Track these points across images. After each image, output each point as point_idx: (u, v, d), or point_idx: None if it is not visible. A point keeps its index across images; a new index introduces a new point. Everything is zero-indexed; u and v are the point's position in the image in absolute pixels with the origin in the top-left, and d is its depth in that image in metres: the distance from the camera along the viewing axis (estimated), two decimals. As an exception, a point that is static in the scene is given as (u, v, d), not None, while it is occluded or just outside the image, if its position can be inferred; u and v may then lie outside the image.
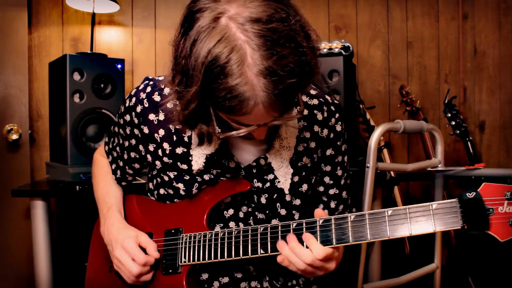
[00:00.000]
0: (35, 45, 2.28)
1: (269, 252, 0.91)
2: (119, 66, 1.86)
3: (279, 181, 1.01)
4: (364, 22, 2.55)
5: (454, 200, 0.80)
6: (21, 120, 2.11)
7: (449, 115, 2.24)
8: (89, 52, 1.95)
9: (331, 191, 1.12)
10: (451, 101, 2.26)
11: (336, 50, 1.93)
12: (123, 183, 1.19)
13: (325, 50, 1.95)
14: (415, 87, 2.57)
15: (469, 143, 2.23)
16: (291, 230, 0.90)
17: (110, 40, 2.37)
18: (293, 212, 1.07)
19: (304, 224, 0.90)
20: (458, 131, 2.24)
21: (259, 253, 0.92)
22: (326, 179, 1.10)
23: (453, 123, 2.24)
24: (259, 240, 0.92)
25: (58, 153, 1.87)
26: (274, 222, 1.05)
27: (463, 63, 2.60)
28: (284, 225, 0.92)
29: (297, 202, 1.06)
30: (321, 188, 1.11)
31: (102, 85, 1.81)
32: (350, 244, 0.86)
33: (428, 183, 2.55)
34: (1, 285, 2.05)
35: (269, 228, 0.92)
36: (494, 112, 2.62)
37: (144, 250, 0.99)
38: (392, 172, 2.07)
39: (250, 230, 0.94)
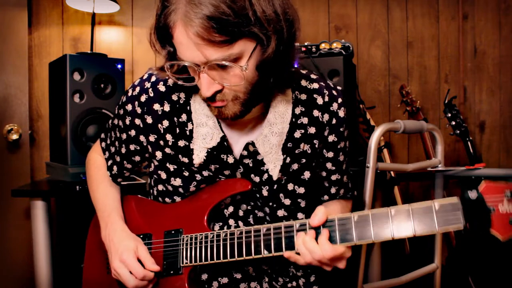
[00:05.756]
0: (35, 45, 2.28)
1: (272, 252, 0.91)
2: (119, 66, 1.86)
3: (267, 168, 1.00)
4: (364, 22, 2.55)
5: (456, 199, 0.80)
6: (21, 120, 2.11)
7: (449, 115, 2.24)
8: (89, 52, 1.95)
9: (333, 177, 1.11)
10: (451, 101, 2.25)
11: (336, 50, 1.93)
12: (119, 180, 1.17)
13: (325, 50, 1.95)
14: (415, 87, 2.57)
15: (469, 143, 2.23)
16: (295, 231, 0.90)
17: (110, 40, 2.37)
18: (298, 200, 1.06)
19: (307, 224, 0.90)
20: (458, 131, 2.23)
21: (262, 254, 0.91)
22: (328, 165, 1.09)
23: (453, 123, 2.24)
24: (262, 241, 0.92)
25: (58, 153, 1.87)
26: (280, 212, 1.04)
27: (463, 63, 2.60)
28: (288, 225, 0.91)
29: (301, 190, 1.05)
30: (323, 173, 1.11)
31: (102, 85, 1.81)
32: (353, 244, 0.86)
33: (428, 183, 2.55)
34: (1, 285, 2.05)
35: (272, 229, 0.92)
36: (494, 112, 2.62)
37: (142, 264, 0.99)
38: (392, 172, 2.07)
39: (252, 231, 0.93)
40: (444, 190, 1.72)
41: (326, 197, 1.14)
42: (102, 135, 1.19)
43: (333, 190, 1.13)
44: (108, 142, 1.15)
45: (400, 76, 2.57)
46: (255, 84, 0.86)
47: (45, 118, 2.24)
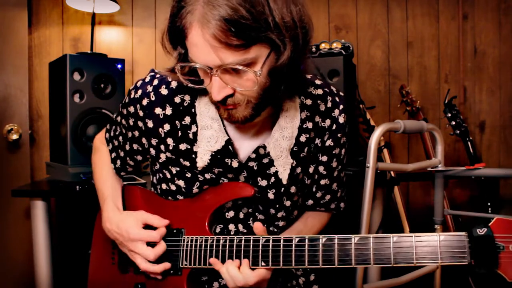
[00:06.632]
0: (35, 45, 2.28)
1: (270, 264, 0.91)
2: (119, 66, 1.86)
3: (276, 171, 1.00)
4: (364, 22, 2.55)
5: (463, 234, 0.78)
6: (21, 120, 2.11)
7: (449, 115, 2.24)
8: (89, 52, 1.95)
9: (322, 181, 1.11)
10: (451, 101, 2.26)
11: (336, 50, 1.93)
12: (122, 173, 1.17)
13: (325, 50, 1.95)
14: (415, 87, 2.57)
15: (469, 143, 2.23)
16: (293, 245, 0.89)
17: (110, 40, 2.37)
18: (296, 203, 1.08)
19: (306, 240, 0.89)
20: (458, 131, 2.24)
21: (260, 265, 0.92)
22: (320, 169, 1.09)
23: (453, 123, 2.24)
24: (260, 252, 0.92)
25: (58, 153, 1.87)
26: (280, 214, 1.05)
27: (463, 63, 2.60)
28: (287, 239, 0.91)
29: (300, 192, 1.07)
30: (315, 176, 1.11)
31: (102, 85, 1.81)
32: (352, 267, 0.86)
33: (428, 183, 2.55)
34: (1, 285, 2.05)
35: (271, 241, 0.92)
36: (494, 112, 2.62)
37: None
38: (392, 172, 2.07)
39: (251, 240, 0.93)
40: (444, 190, 1.72)
41: (310, 201, 1.13)
42: (108, 126, 1.18)
43: (318, 195, 1.13)
44: (112, 134, 1.15)
45: (400, 76, 2.57)
46: (266, 90, 0.86)
47: (45, 118, 2.24)
